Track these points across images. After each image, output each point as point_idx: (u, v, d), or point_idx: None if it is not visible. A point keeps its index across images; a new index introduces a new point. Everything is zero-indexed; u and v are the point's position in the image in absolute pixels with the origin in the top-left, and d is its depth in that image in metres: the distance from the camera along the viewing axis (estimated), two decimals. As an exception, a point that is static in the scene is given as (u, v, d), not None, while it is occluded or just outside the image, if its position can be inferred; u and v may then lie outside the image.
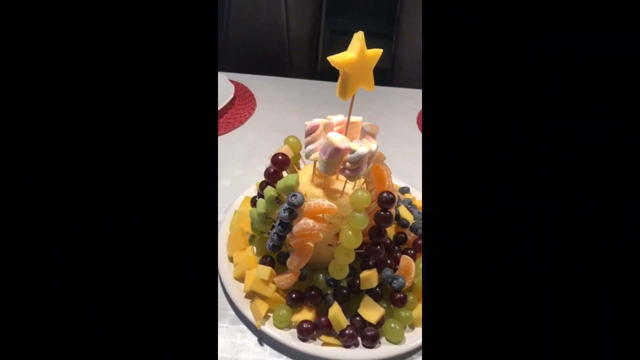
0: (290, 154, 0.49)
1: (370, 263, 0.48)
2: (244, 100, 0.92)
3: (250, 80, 1.00)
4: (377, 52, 0.41)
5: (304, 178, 0.48)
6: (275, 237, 0.45)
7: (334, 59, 0.39)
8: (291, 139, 0.52)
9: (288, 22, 1.14)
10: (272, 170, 0.48)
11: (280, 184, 0.45)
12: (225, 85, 0.91)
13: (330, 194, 0.46)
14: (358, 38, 0.40)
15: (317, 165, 0.44)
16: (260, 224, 0.48)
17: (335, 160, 0.43)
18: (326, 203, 0.42)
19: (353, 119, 0.47)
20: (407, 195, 0.62)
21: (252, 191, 0.63)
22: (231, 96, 0.87)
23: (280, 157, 0.47)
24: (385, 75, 1.17)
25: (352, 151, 0.41)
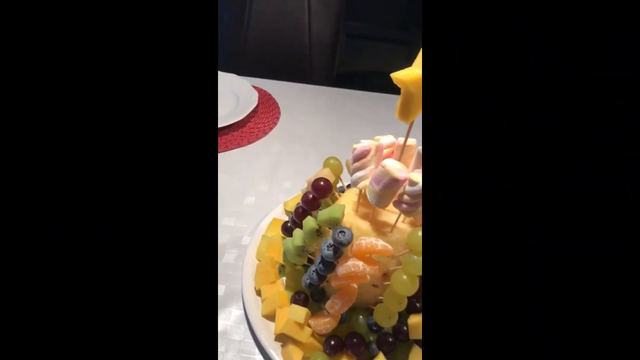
0: (331, 179, 0.44)
1: (418, 305, 0.42)
2: (268, 109, 0.87)
3: (272, 87, 0.95)
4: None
5: (347, 206, 0.42)
6: (314, 275, 0.40)
7: (398, 77, 0.34)
8: (332, 161, 0.46)
9: (310, 25, 1.11)
10: (312, 196, 0.43)
11: (322, 215, 0.39)
12: (248, 92, 0.86)
13: (379, 228, 0.40)
14: (426, 52, 0.34)
15: (367, 195, 0.39)
16: (295, 257, 0.43)
17: (391, 192, 0.37)
18: (380, 243, 0.36)
19: (402, 140, 0.42)
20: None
21: (280, 212, 0.58)
22: (255, 104, 0.82)
23: (322, 182, 0.41)
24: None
25: (413, 183, 0.35)
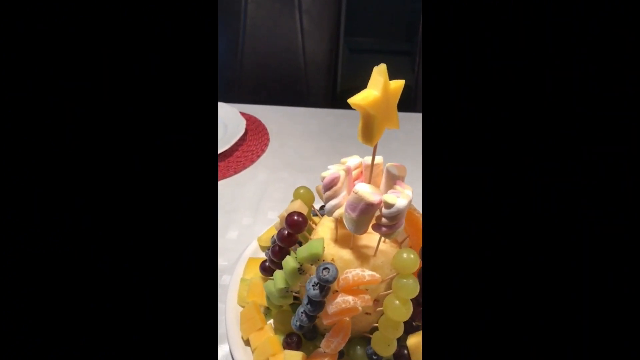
0: (304, 210, 0.42)
1: (414, 324, 0.41)
2: (257, 135, 0.84)
3: (263, 112, 0.91)
4: (400, 83, 0.35)
5: (325, 236, 0.40)
6: (303, 317, 0.37)
7: (355, 101, 0.33)
8: (301, 191, 0.44)
9: (304, 47, 1.09)
10: (287, 233, 0.40)
11: (302, 252, 0.37)
12: (236, 119, 0.83)
13: (362, 254, 0.38)
14: (380, 72, 0.33)
15: (345, 222, 0.37)
16: (279, 299, 0.40)
17: (368, 217, 0.36)
18: (367, 274, 0.35)
19: (370, 159, 0.41)
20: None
21: (255, 248, 0.55)
22: (242, 132, 0.79)
23: (295, 217, 0.40)
24: (409, 95, 1.12)
25: (389, 205, 0.34)
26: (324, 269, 0.34)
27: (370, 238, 0.39)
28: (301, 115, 0.94)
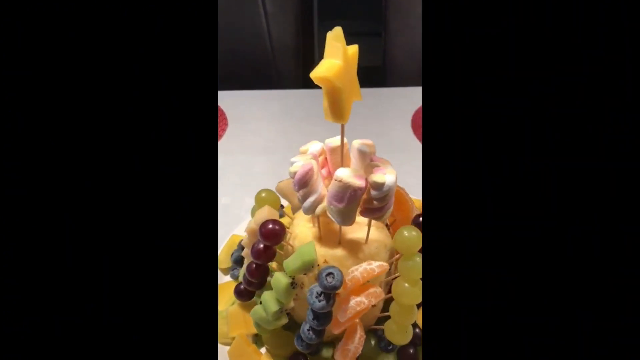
0: (275, 216, 0.36)
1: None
2: None
3: (222, 97, 0.84)
4: (355, 48, 0.30)
5: (306, 237, 0.35)
6: (310, 334, 0.32)
7: (320, 74, 0.28)
8: (264, 194, 0.38)
9: (270, 30, 1.04)
10: (263, 246, 0.34)
11: (292, 263, 0.32)
12: None
13: (354, 246, 0.34)
14: (335, 37, 0.28)
15: (331, 216, 0.32)
16: (274, 322, 0.35)
17: (356, 205, 0.32)
18: (375, 265, 0.31)
19: (334, 141, 0.36)
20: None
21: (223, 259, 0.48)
22: None
23: (271, 225, 0.34)
24: (377, 74, 1.06)
25: (379, 185, 0.31)
26: (328, 274, 0.30)
27: (355, 227, 0.35)
28: (262, 98, 0.91)
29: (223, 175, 0.67)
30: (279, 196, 0.39)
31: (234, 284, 0.45)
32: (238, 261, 0.48)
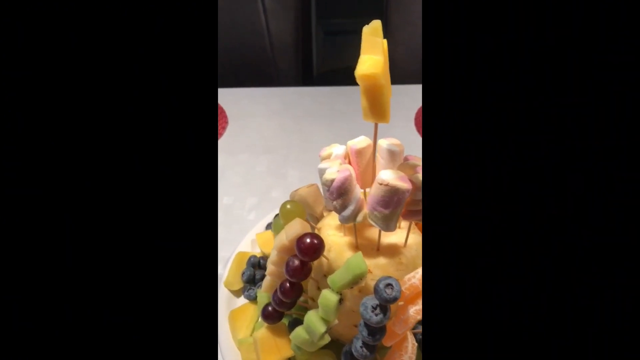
0: (308, 229, 0.33)
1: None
2: None
3: (222, 95, 0.85)
4: (385, 43, 0.29)
5: (343, 247, 0.33)
6: (364, 350, 0.30)
7: (366, 72, 0.26)
8: (289, 206, 0.35)
9: (269, 28, 1.02)
10: (299, 262, 0.32)
11: (340, 279, 0.29)
12: None
13: (394, 252, 0.33)
14: (373, 31, 0.26)
15: (373, 223, 0.30)
16: (319, 343, 0.32)
17: (401, 208, 0.30)
18: (418, 275, 0.29)
19: (359, 142, 0.35)
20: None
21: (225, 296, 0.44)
22: None
23: (309, 239, 0.31)
24: None
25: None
26: (387, 286, 0.28)
27: (391, 235, 0.33)
28: (263, 96, 0.90)
29: (223, 175, 0.67)
30: (303, 207, 0.37)
31: (251, 307, 0.42)
32: (250, 280, 0.44)
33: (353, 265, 0.29)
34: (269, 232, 0.47)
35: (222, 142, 0.75)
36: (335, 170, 0.30)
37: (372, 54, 0.27)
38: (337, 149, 0.35)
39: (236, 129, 0.78)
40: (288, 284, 0.33)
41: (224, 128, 0.78)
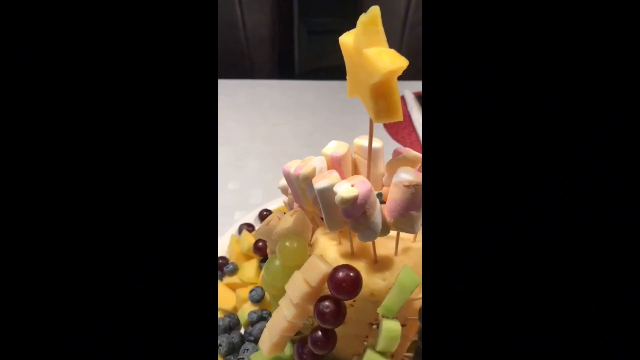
0: (326, 263, 0.28)
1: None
2: None
3: None
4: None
5: (332, 253, 0.29)
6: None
7: (390, 68, 0.22)
8: (291, 244, 0.29)
9: (244, 20, 1.04)
10: (334, 306, 0.26)
11: (396, 302, 0.26)
12: None
13: (388, 263, 0.31)
14: (372, 20, 0.23)
15: (406, 229, 0.28)
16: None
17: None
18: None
19: (337, 147, 0.31)
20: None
21: None
22: None
23: (342, 274, 0.26)
24: None
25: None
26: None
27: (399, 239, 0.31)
28: (228, 87, 0.90)
29: None
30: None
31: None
32: (232, 350, 0.36)
33: (405, 285, 0.26)
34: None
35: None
36: (349, 186, 0.26)
37: (377, 46, 0.23)
38: (317, 162, 0.30)
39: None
40: (321, 333, 0.28)
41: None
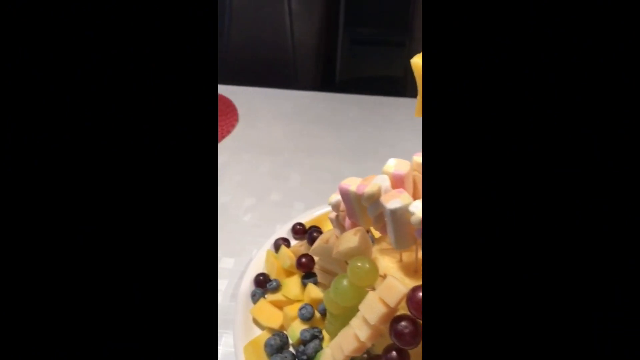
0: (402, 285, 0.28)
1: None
2: (225, 116, 0.81)
3: (237, 93, 0.89)
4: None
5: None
6: None
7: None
8: (363, 265, 0.29)
9: (292, 29, 1.05)
10: (412, 326, 0.26)
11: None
12: None
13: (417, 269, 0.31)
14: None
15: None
16: None
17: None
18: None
19: (399, 165, 0.31)
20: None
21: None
22: None
23: (421, 294, 0.26)
24: (398, 84, 1.10)
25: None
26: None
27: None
28: (276, 97, 0.91)
29: (225, 173, 0.65)
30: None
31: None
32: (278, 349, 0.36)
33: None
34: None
35: (228, 140, 0.75)
36: (418, 207, 0.26)
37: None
38: (382, 181, 0.30)
39: (244, 128, 0.79)
40: (396, 353, 0.28)
41: (233, 126, 0.78)
